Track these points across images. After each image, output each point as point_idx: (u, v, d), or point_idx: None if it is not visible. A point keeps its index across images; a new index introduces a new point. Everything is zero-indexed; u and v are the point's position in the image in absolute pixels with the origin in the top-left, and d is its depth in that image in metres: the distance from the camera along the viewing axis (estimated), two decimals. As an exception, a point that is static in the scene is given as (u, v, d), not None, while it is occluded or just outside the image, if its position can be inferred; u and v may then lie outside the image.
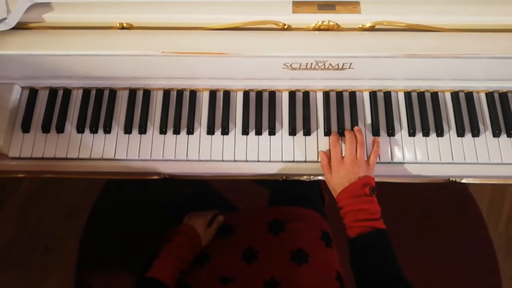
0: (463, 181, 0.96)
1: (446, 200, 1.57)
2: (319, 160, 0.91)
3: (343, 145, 0.89)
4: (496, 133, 0.91)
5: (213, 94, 0.95)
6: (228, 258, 0.92)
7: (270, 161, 0.91)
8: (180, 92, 0.95)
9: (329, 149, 0.90)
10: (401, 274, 0.75)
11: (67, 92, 0.95)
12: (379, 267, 0.76)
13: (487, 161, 0.90)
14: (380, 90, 0.95)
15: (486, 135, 0.92)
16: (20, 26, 0.83)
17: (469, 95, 0.94)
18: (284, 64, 0.85)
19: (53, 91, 0.95)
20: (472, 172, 0.92)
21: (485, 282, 1.48)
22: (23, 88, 0.95)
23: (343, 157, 0.86)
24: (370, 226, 0.78)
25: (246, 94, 0.95)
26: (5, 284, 1.57)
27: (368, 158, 0.88)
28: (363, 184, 0.81)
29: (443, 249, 1.50)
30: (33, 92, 0.95)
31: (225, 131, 0.92)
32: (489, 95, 0.94)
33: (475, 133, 0.91)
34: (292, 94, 0.95)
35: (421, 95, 0.95)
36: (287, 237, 0.95)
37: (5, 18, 0.79)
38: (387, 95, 0.95)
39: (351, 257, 0.80)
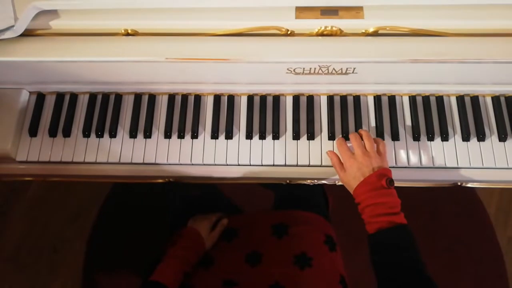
0: (469, 185, 0.96)
1: (453, 204, 1.56)
2: (324, 164, 0.90)
3: (349, 145, 0.88)
4: (502, 138, 0.90)
5: (217, 98, 0.96)
6: (232, 261, 0.92)
7: (273, 165, 0.92)
8: (184, 97, 0.96)
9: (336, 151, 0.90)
10: (423, 271, 0.72)
11: (74, 96, 0.97)
12: (399, 264, 0.73)
13: (493, 165, 0.89)
14: (384, 94, 0.95)
15: (492, 139, 0.91)
16: (28, 33, 0.84)
17: (474, 99, 0.94)
18: (288, 69, 0.86)
19: (60, 96, 0.97)
20: (478, 177, 0.91)
21: (493, 286, 1.46)
22: (30, 93, 0.97)
23: (353, 153, 0.84)
24: (390, 221, 0.75)
25: (250, 98, 0.95)
26: (14, 284, 1.59)
27: (377, 150, 0.85)
28: (379, 176, 0.79)
29: (450, 254, 1.49)
30: (40, 97, 0.97)
31: (229, 136, 0.93)
32: (495, 99, 0.93)
33: (481, 137, 0.91)
34: (296, 98, 0.95)
35: (426, 99, 0.94)
36: (291, 240, 0.95)
37: (12, 26, 0.80)
38: (392, 99, 0.94)
39: (371, 254, 0.76)
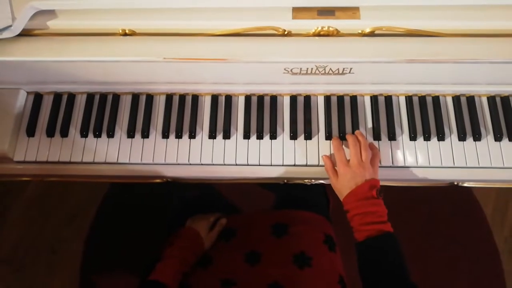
0: (465, 185, 0.96)
1: (450, 204, 1.56)
2: (321, 164, 0.91)
3: (345, 148, 0.89)
4: (497, 137, 0.91)
5: (215, 98, 0.96)
6: (230, 260, 0.92)
7: (271, 165, 0.92)
8: (182, 97, 0.96)
9: (332, 153, 0.91)
10: (408, 278, 0.74)
11: (71, 96, 0.97)
12: (386, 271, 0.75)
13: (488, 165, 0.90)
14: (381, 94, 0.95)
15: (488, 139, 0.92)
16: (25, 33, 0.84)
17: (470, 99, 0.94)
18: (285, 69, 0.86)
19: (57, 96, 0.97)
20: (474, 176, 0.92)
21: (489, 286, 1.47)
22: (28, 93, 0.97)
23: (348, 160, 0.85)
24: (378, 229, 0.77)
25: (248, 98, 0.96)
26: (11, 285, 1.59)
27: (371, 160, 0.87)
28: (370, 187, 0.81)
29: (447, 254, 1.49)
30: (38, 97, 0.97)
31: (226, 135, 0.93)
32: (491, 99, 0.94)
33: (477, 137, 0.91)
34: (293, 98, 0.95)
35: (422, 99, 0.95)
36: (290, 240, 0.95)
37: (10, 25, 0.80)
38: (388, 99, 0.95)
39: (359, 261, 0.78)
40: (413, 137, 0.92)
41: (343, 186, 0.83)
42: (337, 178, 0.85)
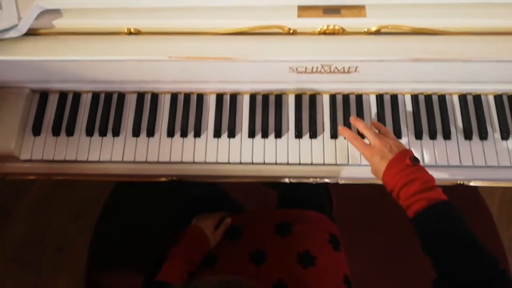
0: (472, 184, 0.96)
1: (455, 202, 1.55)
2: (326, 162, 0.91)
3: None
4: (504, 136, 0.90)
5: (220, 97, 0.96)
6: (235, 259, 0.92)
7: (276, 164, 0.92)
8: (187, 96, 0.96)
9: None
10: (474, 242, 0.66)
11: (77, 95, 0.97)
12: (447, 245, 0.67)
13: (495, 164, 0.89)
14: (386, 93, 0.95)
15: (495, 137, 0.91)
16: (31, 32, 0.85)
17: (477, 98, 0.94)
18: (290, 68, 0.86)
19: (63, 95, 0.97)
20: (481, 176, 0.91)
21: (495, 285, 1.46)
22: (34, 91, 0.97)
23: (370, 144, 0.82)
24: (425, 198, 0.70)
25: (253, 97, 0.96)
26: (17, 283, 1.60)
27: (387, 135, 0.84)
28: (402, 156, 0.76)
29: (452, 252, 1.49)
30: (43, 96, 0.97)
31: (231, 134, 0.93)
32: (498, 98, 0.93)
33: (483, 136, 0.91)
34: (299, 97, 0.95)
35: (428, 97, 0.94)
36: (294, 239, 0.95)
37: (16, 25, 0.81)
38: (394, 98, 0.94)
39: (420, 241, 0.71)
40: (418, 136, 0.92)
41: (377, 169, 0.80)
42: (372, 156, 0.80)
